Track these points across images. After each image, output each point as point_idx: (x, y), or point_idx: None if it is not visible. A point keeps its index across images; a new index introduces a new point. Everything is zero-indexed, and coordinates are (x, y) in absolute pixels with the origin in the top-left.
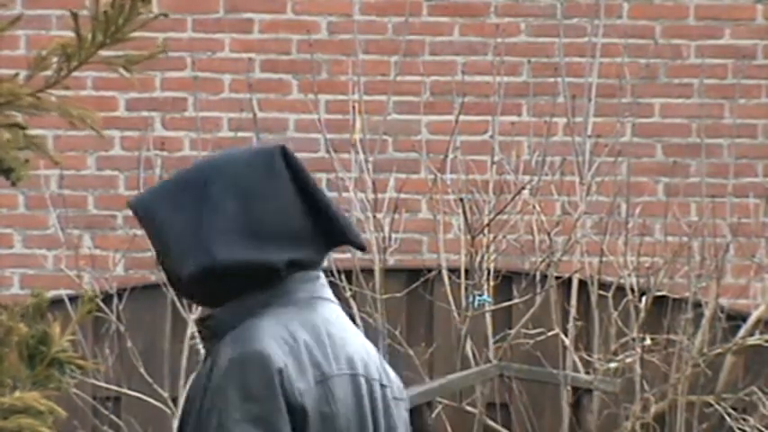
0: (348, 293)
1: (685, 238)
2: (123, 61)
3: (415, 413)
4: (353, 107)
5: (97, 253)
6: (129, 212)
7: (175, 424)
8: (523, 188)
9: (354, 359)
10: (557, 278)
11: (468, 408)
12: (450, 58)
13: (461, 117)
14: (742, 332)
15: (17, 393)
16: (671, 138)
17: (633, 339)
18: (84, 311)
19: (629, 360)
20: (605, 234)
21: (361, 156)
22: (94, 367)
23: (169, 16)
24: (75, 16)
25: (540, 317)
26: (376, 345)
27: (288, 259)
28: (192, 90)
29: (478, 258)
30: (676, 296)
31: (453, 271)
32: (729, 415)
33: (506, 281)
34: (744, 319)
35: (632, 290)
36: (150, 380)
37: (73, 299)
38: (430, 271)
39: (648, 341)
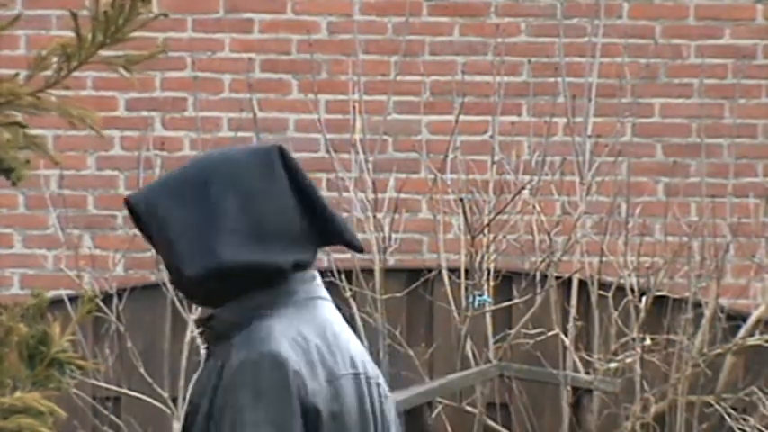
0: (348, 293)
1: (685, 238)
2: (123, 61)
3: (415, 413)
4: (353, 107)
5: (97, 253)
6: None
7: (176, 425)
8: (523, 188)
9: (355, 358)
10: (557, 278)
11: (468, 408)
12: (450, 58)
13: (461, 117)
14: (742, 332)
15: (17, 393)
16: (671, 138)
17: (633, 339)
18: (84, 312)
19: (629, 360)
20: (605, 234)
21: (361, 156)
22: (94, 367)
23: (169, 16)
24: (74, 16)
25: (540, 317)
26: (376, 345)
27: (294, 260)
28: (192, 90)
29: (478, 258)
30: (676, 296)
31: (453, 271)
32: (729, 415)
33: (506, 281)
34: (744, 319)
35: (632, 290)
36: (150, 380)
37: (73, 299)
38: (430, 271)
39: (648, 341)
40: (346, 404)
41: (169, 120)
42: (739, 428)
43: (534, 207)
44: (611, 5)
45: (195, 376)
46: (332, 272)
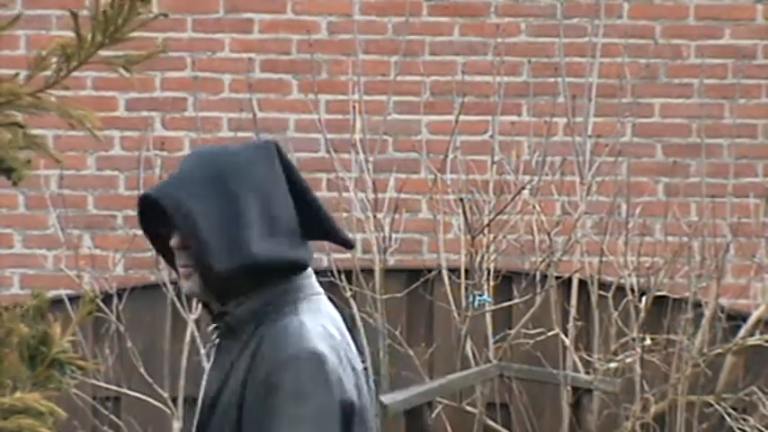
0: (348, 293)
1: (685, 238)
2: (123, 61)
3: (415, 413)
4: (353, 107)
5: (97, 253)
6: (130, 212)
7: (176, 425)
8: (523, 188)
9: (357, 351)
10: (557, 278)
11: (468, 408)
12: (450, 58)
13: (461, 117)
14: (742, 332)
15: (17, 394)
16: (671, 138)
17: (633, 339)
18: (85, 312)
19: (629, 360)
20: (605, 234)
21: (362, 156)
22: (95, 368)
23: (169, 16)
24: (74, 16)
25: (540, 317)
26: (376, 345)
27: (309, 256)
28: (192, 90)
29: (478, 258)
30: (676, 296)
31: (453, 271)
32: (729, 415)
33: (506, 281)
34: (744, 319)
35: (632, 290)
36: (150, 380)
37: (73, 299)
38: (430, 271)
39: (648, 341)
40: (365, 397)
41: (169, 120)
42: (739, 428)
43: (534, 207)
44: (611, 5)
45: (207, 373)
46: (332, 272)
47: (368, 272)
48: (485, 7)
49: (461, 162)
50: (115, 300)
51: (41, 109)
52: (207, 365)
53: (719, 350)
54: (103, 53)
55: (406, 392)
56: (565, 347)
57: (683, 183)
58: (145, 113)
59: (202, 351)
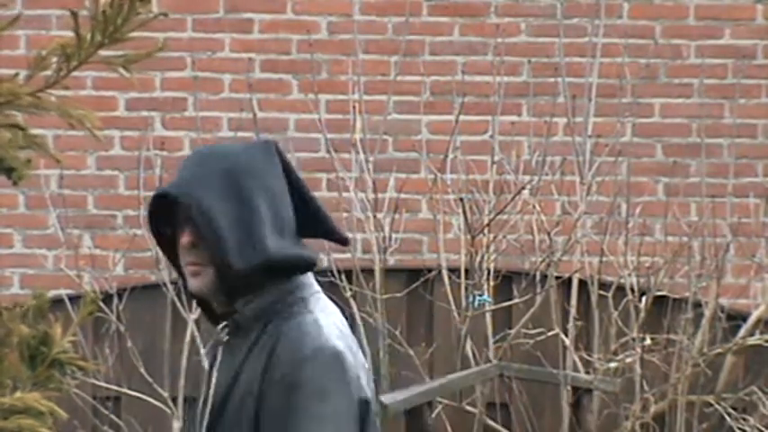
0: (348, 293)
1: (685, 238)
2: (123, 61)
3: (415, 413)
4: (353, 107)
5: (97, 253)
6: (130, 212)
7: (176, 425)
8: (523, 188)
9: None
10: (557, 278)
11: (469, 408)
12: (450, 58)
13: (461, 117)
14: (742, 332)
15: (17, 394)
16: (671, 138)
17: (633, 339)
18: (86, 313)
19: (629, 360)
20: (605, 234)
21: (362, 156)
22: (95, 368)
23: (169, 16)
24: (74, 16)
25: (540, 317)
26: (376, 345)
27: (317, 255)
28: (192, 90)
29: (478, 258)
30: (676, 296)
31: (453, 271)
32: (729, 415)
33: (506, 281)
34: (744, 319)
35: (632, 290)
36: (150, 380)
37: (73, 299)
38: (430, 271)
39: (648, 341)
40: (372, 392)
41: (169, 120)
42: (739, 428)
43: (534, 207)
44: (611, 5)
45: (216, 370)
46: (332, 272)
47: (368, 272)
48: (485, 7)
49: (461, 162)
50: (115, 300)
51: (41, 109)
52: (207, 364)
53: (719, 350)
54: (103, 53)
55: (406, 392)
56: (565, 347)
57: (683, 183)
58: (145, 113)
59: (202, 351)
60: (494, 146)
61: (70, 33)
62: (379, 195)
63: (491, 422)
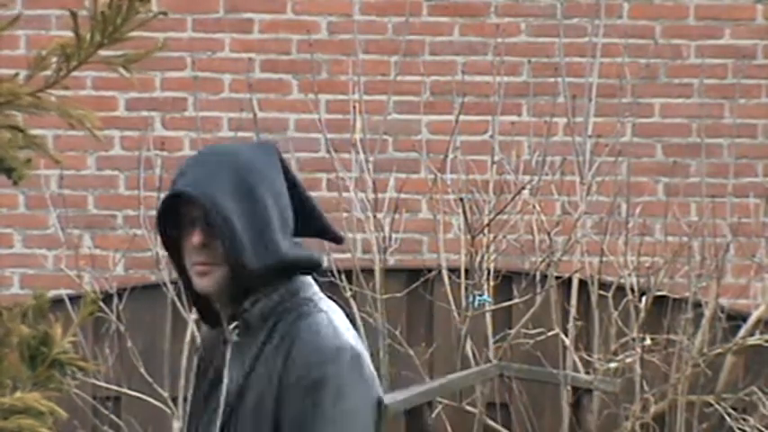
0: (348, 293)
1: (685, 238)
2: (122, 60)
3: (415, 413)
4: (353, 107)
5: (97, 253)
6: (130, 212)
7: (176, 425)
8: (523, 188)
9: None
10: (557, 278)
11: (469, 408)
12: (450, 58)
13: (461, 117)
14: (742, 332)
15: (18, 394)
16: (671, 138)
17: (633, 339)
18: (86, 313)
19: (629, 360)
20: (605, 234)
21: (362, 156)
22: (95, 368)
23: (168, 15)
24: (74, 16)
25: (540, 317)
26: (376, 345)
27: (322, 255)
28: (192, 90)
29: (478, 258)
30: (676, 296)
31: (453, 271)
32: (729, 415)
33: (506, 281)
34: (744, 319)
35: (632, 290)
36: (150, 380)
37: (73, 298)
38: (430, 271)
39: (648, 341)
40: (382, 393)
41: (169, 120)
42: (739, 428)
43: (534, 207)
44: (611, 5)
45: (227, 371)
46: (332, 272)
47: (368, 272)
48: (485, 7)
49: (461, 162)
50: (115, 300)
51: (41, 109)
52: (201, 366)
53: (719, 350)
54: (103, 53)
55: (406, 392)
56: (565, 347)
57: (683, 183)
58: (145, 113)
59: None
60: (494, 146)
61: (70, 33)
62: (379, 195)
63: (491, 422)
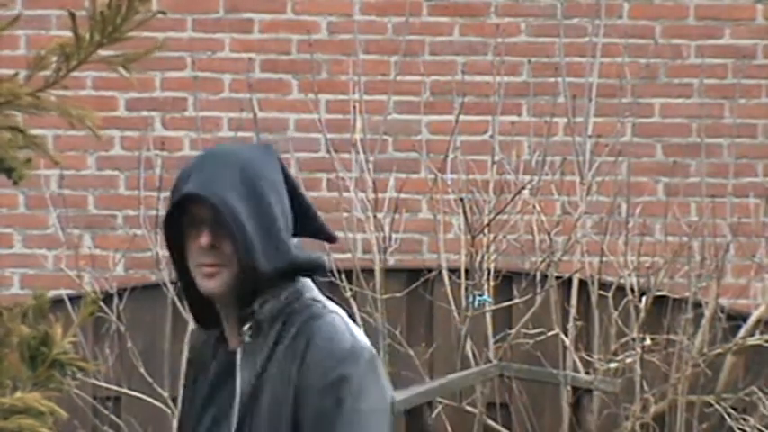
0: (348, 293)
1: (685, 238)
2: (122, 60)
3: (415, 413)
4: (354, 107)
5: (97, 253)
6: (130, 212)
7: (176, 425)
8: (523, 188)
9: None
10: (557, 278)
11: (469, 408)
12: (450, 58)
13: (461, 117)
14: (742, 332)
15: (18, 394)
16: (671, 138)
17: (633, 339)
18: (86, 314)
19: (629, 360)
20: (605, 234)
21: (362, 156)
22: (95, 368)
23: (168, 15)
24: (72, 16)
25: (540, 317)
26: (376, 345)
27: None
28: (192, 90)
29: (478, 258)
30: (676, 296)
31: (453, 271)
32: (729, 415)
33: (506, 281)
34: (744, 319)
35: (632, 290)
36: (150, 380)
37: (73, 298)
38: (430, 271)
39: (648, 341)
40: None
41: (169, 120)
42: (739, 428)
43: (534, 207)
44: (611, 5)
45: (239, 372)
46: (332, 272)
47: (368, 272)
48: (485, 7)
49: (461, 162)
50: (115, 300)
51: (41, 109)
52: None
53: (719, 350)
54: (103, 53)
55: (406, 392)
56: (565, 347)
57: (683, 183)
58: (145, 113)
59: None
60: (494, 146)
61: (70, 33)
62: (379, 195)
63: (491, 422)
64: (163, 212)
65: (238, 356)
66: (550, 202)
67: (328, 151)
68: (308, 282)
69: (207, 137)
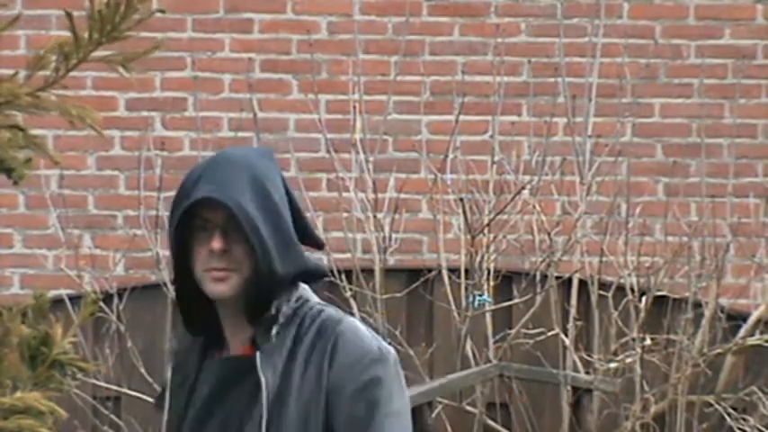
0: (348, 293)
1: (685, 238)
2: (122, 59)
3: (415, 413)
4: (353, 107)
5: (97, 253)
6: (130, 212)
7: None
8: (523, 188)
9: None
10: (557, 278)
11: (469, 408)
12: (450, 58)
13: (461, 117)
14: (742, 332)
15: (18, 394)
16: (671, 138)
17: (633, 339)
18: (86, 314)
19: (629, 360)
20: (605, 234)
21: (362, 156)
22: (95, 369)
23: (168, 15)
24: (69, 15)
25: (540, 317)
26: None
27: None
28: (192, 90)
29: (478, 258)
30: (676, 296)
31: (453, 271)
32: (729, 415)
33: (506, 281)
34: (744, 319)
35: (632, 290)
36: (150, 380)
37: (73, 299)
38: (430, 271)
39: (648, 341)
40: None
41: (169, 120)
42: (739, 428)
43: (534, 207)
44: (611, 5)
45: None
46: (332, 272)
47: (368, 272)
48: (485, 7)
49: (461, 162)
50: (115, 300)
51: (41, 108)
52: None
53: (719, 350)
54: (102, 52)
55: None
56: (565, 347)
57: (683, 183)
58: (145, 113)
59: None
60: (494, 146)
61: (69, 33)
62: (379, 195)
63: (491, 422)
64: (163, 213)
65: (258, 359)
66: (550, 202)
67: (328, 151)
68: (305, 287)
69: (207, 137)
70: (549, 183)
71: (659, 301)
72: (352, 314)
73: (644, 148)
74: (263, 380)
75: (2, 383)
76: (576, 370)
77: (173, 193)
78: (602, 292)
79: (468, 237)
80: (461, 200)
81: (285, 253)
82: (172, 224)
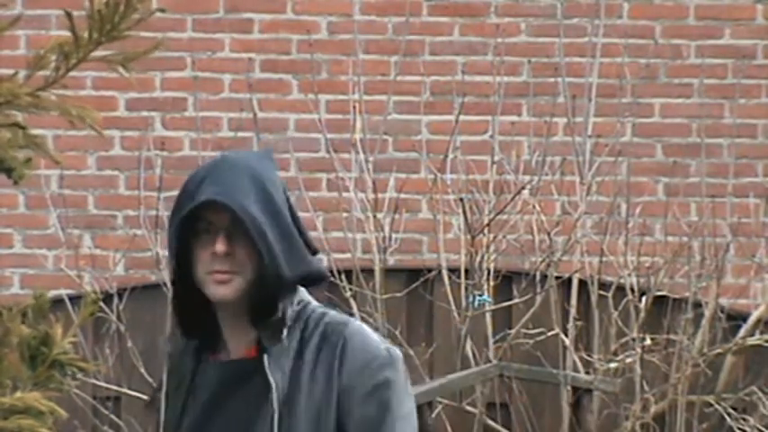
0: (348, 293)
1: (685, 238)
2: (121, 59)
3: (416, 413)
4: (353, 107)
5: (97, 253)
6: (130, 212)
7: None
8: (523, 188)
9: None
10: (557, 278)
11: (469, 408)
12: (450, 58)
13: (461, 117)
14: (742, 332)
15: (18, 394)
16: (671, 138)
17: (633, 339)
18: (87, 314)
19: (629, 360)
20: (605, 234)
21: (362, 156)
22: (95, 368)
23: (168, 14)
24: (69, 15)
25: (540, 317)
26: None
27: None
28: (192, 90)
29: (478, 258)
30: (676, 296)
31: (453, 271)
32: (729, 415)
33: (506, 281)
34: (744, 319)
35: (632, 290)
36: (150, 380)
37: (73, 299)
38: (430, 271)
39: (648, 341)
40: None
41: (169, 120)
42: (739, 428)
43: (534, 207)
44: (611, 5)
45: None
46: (332, 272)
47: (368, 272)
48: (485, 7)
49: (461, 162)
50: (115, 300)
51: (41, 108)
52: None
53: (719, 350)
54: (102, 52)
55: None
56: (565, 347)
57: (683, 183)
58: (145, 113)
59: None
60: (494, 146)
61: (69, 33)
62: (379, 195)
63: (491, 422)
64: (163, 213)
65: (266, 361)
66: (550, 202)
67: (328, 151)
68: (303, 290)
69: (207, 137)
70: (548, 183)
71: (659, 301)
72: (351, 314)
73: (644, 148)
74: (272, 381)
75: (2, 383)
76: (576, 370)
77: (173, 194)
78: (602, 292)
79: (468, 237)
80: (461, 200)
81: (290, 256)
82: (173, 226)
